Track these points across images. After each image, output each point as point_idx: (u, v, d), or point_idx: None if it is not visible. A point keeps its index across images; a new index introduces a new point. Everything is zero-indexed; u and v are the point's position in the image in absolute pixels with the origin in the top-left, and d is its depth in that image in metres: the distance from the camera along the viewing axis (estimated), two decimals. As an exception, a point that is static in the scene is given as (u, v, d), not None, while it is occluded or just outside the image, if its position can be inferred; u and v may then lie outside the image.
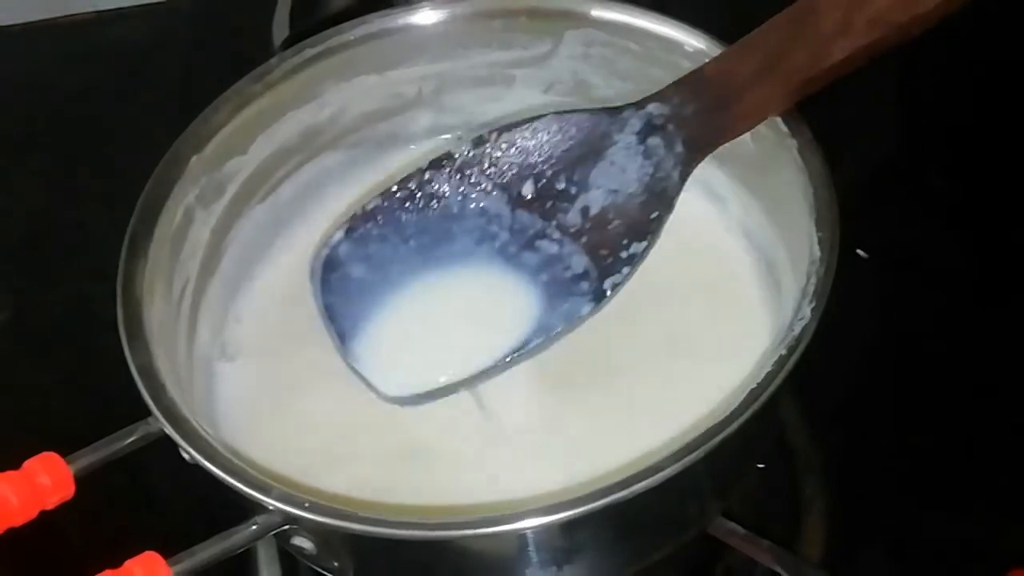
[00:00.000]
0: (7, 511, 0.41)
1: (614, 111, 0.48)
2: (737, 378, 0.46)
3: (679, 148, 0.47)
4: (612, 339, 0.51)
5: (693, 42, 0.52)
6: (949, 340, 0.59)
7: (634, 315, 0.52)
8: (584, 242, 0.47)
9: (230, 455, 0.43)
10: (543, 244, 0.47)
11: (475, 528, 0.41)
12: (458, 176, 0.47)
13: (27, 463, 0.42)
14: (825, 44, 0.45)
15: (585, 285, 0.47)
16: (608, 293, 0.47)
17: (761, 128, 0.50)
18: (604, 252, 0.47)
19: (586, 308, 0.47)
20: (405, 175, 0.48)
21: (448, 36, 0.56)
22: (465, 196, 0.47)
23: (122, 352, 0.46)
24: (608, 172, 0.47)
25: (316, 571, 0.47)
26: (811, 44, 0.45)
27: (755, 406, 0.42)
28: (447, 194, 0.47)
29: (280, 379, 0.52)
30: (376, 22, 0.56)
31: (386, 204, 0.48)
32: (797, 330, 0.43)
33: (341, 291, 0.47)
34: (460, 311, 0.48)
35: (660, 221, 0.47)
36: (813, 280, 0.45)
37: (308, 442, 0.49)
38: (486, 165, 0.47)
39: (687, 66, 0.52)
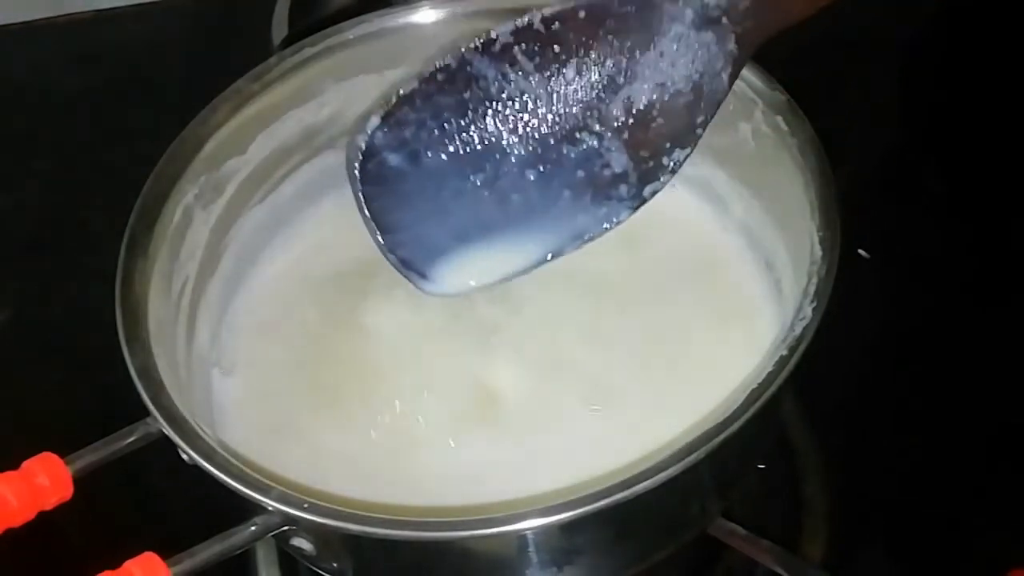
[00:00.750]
0: (6, 512, 0.41)
1: None
2: (738, 378, 0.46)
3: (731, 46, 0.44)
4: (612, 338, 0.51)
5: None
6: (950, 340, 0.59)
7: (634, 314, 0.52)
8: (626, 139, 0.44)
9: (229, 456, 0.43)
10: (583, 136, 0.45)
11: (475, 529, 0.41)
12: (499, 57, 0.44)
13: (26, 464, 0.42)
14: None
15: (624, 189, 0.45)
16: (647, 199, 0.45)
17: (761, 127, 0.51)
18: (645, 154, 0.44)
19: (624, 213, 0.45)
20: (444, 55, 0.45)
21: (448, 35, 0.56)
22: (505, 79, 0.44)
23: (121, 352, 0.45)
24: (656, 64, 0.44)
25: (315, 572, 0.47)
26: None
27: (756, 406, 0.41)
28: (487, 76, 0.44)
29: (278, 397, 0.52)
30: (375, 21, 0.56)
31: (423, 87, 0.44)
32: (798, 330, 0.43)
33: (379, 181, 0.45)
34: (497, 206, 0.45)
35: (704, 126, 0.45)
36: (814, 280, 0.44)
37: (307, 455, 0.49)
38: (528, 46, 0.44)
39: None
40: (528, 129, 0.45)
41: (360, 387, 0.51)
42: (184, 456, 0.43)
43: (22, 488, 0.41)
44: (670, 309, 0.52)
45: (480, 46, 0.44)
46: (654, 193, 0.45)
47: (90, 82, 0.76)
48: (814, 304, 0.44)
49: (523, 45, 0.44)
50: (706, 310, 0.52)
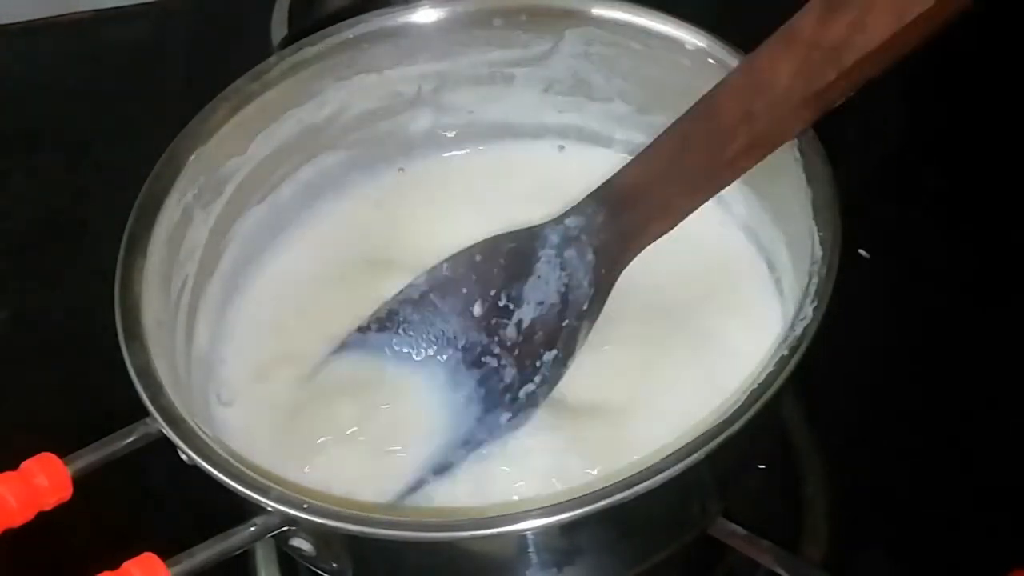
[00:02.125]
0: (4, 512, 0.41)
1: (541, 228, 0.50)
2: (738, 378, 0.46)
3: (589, 256, 0.49)
4: (611, 338, 0.51)
5: (694, 40, 0.52)
6: (950, 340, 0.59)
7: (635, 315, 0.52)
8: (516, 355, 0.50)
9: (228, 456, 0.43)
10: (487, 360, 0.50)
11: (475, 530, 0.41)
12: (419, 303, 0.51)
13: (25, 464, 0.42)
14: (726, 137, 0.45)
15: (507, 396, 0.50)
16: (522, 404, 0.49)
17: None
18: (527, 362, 0.50)
19: (504, 417, 0.49)
20: (376, 312, 0.52)
21: (448, 34, 0.56)
22: (427, 320, 0.51)
23: (120, 352, 0.45)
24: (536, 286, 0.50)
25: (315, 572, 0.47)
26: (711, 139, 0.46)
27: (757, 406, 0.41)
28: (412, 320, 0.51)
29: (279, 396, 0.52)
30: (375, 21, 0.55)
31: (364, 336, 0.52)
32: (799, 330, 0.43)
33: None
34: (414, 425, 0.50)
35: (572, 330, 0.49)
36: (815, 280, 0.44)
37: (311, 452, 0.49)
38: (440, 291, 0.51)
39: (687, 65, 0.52)
40: (447, 358, 0.51)
41: (362, 387, 0.51)
42: (183, 456, 0.43)
43: (21, 488, 0.41)
44: (669, 309, 0.52)
45: (403, 298, 0.52)
46: (527, 395, 0.49)
47: (90, 81, 0.76)
48: (815, 304, 0.44)
49: (437, 292, 0.51)
50: (706, 310, 0.52)
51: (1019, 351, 0.58)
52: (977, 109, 0.67)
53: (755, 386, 0.42)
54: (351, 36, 0.55)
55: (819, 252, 0.45)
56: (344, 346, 0.52)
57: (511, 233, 0.51)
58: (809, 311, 0.44)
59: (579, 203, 0.50)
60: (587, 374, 0.50)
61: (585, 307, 0.49)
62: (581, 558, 0.45)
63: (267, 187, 0.56)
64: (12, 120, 0.75)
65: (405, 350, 0.51)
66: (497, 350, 0.50)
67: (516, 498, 0.46)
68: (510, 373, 0.50)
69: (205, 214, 0.52)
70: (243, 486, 0.41)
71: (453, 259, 0.51)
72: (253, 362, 0.53)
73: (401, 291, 0.52)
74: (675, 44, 0.52)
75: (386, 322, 0.52)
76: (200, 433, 0.43)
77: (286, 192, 0.57)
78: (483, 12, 0.55)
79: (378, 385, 0.51)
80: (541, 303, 0.50)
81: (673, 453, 0.41)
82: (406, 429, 0.49)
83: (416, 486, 0.48)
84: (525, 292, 0.50)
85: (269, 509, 0.41)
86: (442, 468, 0.48)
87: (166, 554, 0.40)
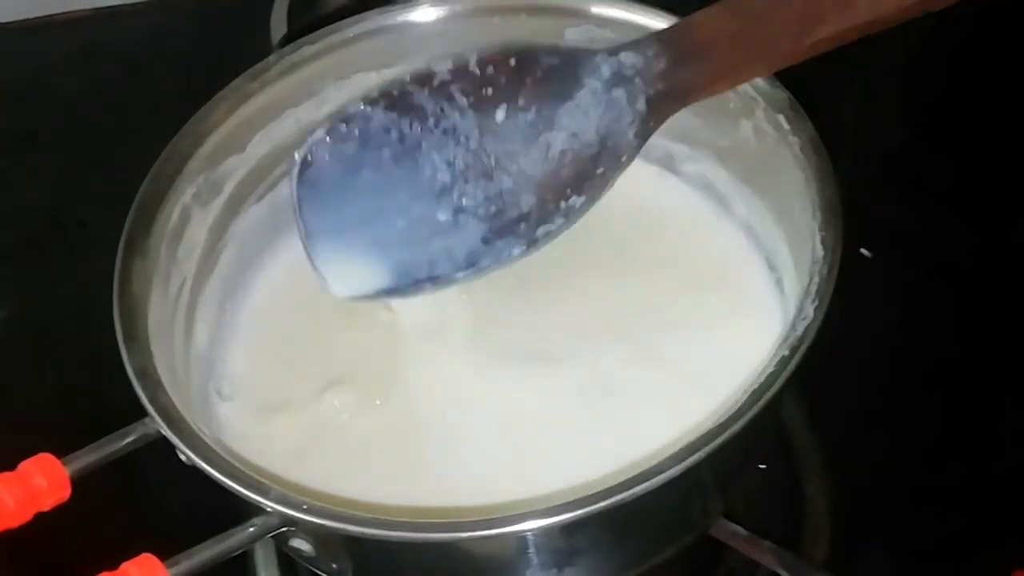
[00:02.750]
0: (3, 513, 0.41)
1: (590, 53, 0.46)
2: (739, 378, 0.46)
3: (640, 105, 0.46)
4: (612, 338, 0.51)
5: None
6: (952, 339, 0.59)
7: (635, 313, 0.52)
8: (536, 182, 0.46)
9: (228, 456, 0.43)
10: (500, 176, 0.46)
11: (475, 531, 0.41)
12: (437, 92, 0.46)
13: (23, 464, 0.42)
14: (816, 21, 0.44)
15: (522, 227, 0.47)
16: (539, 241, 0.47)
17: (763, 125, 0.50)
18: (548, 196, 0.46)
19: (517, 250, 0.47)
20: (387, 83, 0.47)
21: (447, 33, 0.56)
22: (441, 112, 0.46)
23: (119, 352, 0.45)
24: (573, 114, 0.46)
25: (314, 573, 0.47)
26: (803, 19, 0.44)
27: (758, 406, 0.41)
28: (425, 108, 0.46)
29: (278, 415, 0.51)
30: (374, 19, 0.55)
31: (366, 109, 0.47)
32: (800, 329, 0.43)
33: (315, 187, 0.47)
34: (413, 224, 0.47)
35: (604, 179, 0.46)
36: (816, 279, 0.44)
37: (309, 453, 0.49)
38: (463, 85, 0.46)
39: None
40: (454, 161, 0.47)
41: (362, 387, 0.51)
42: (182, 456, 0.43)
43: (19, 489, 0.41)
44: (671, 309, 0.52)
45: (420, 80, 0.46)
46: (546, 235, 0.47)
47: (89, 80, 0.75)
48: (816, 303, 0.44)
49: (459, 84, 0.46)
50: (707, 310, 0.52)
51: (1022, 350, 0.58)
52: (979, 107, 0.67)
53: (756, 386, 0.42)
54: (350, 35, 0.55)
55: (820, 251, 0.45)
56: (347, 118, 0.46)
57: (555, 47, 0.47)
58: (810, 310, 0.43)
59: (641, 39, 0.46)
60: (587, 373, 0.50)
61: (623, 158, 0.46)
62: (581, 558, 0.45)
63: (266, 186, 0.56)
64: (10, 119, 0.75)
65: (410, 138, 0.46)
66: (514, 168, 0.46)
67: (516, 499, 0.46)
68: (528, 201, 0.46)
69: (204, 213, 0.52)
70: (242, 486, 0.41)
71: (483, 54, 0.46)
72: (253, 361, 0.53)
73: (416, 71, 0.47)
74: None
75: (397, 100, 0.46)
76: (199, 433, 0.43)
77: (284, 191, 0.56)
78: (482, 10, 0.55)
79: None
80: (575, 135, 0.46)
81: (674, 454, 0.40)
82: None
83: (411, 286, 0.47)
84: (559, 116, 0.46)
85: (268, 510, 0.41)
86: (440, 280, 0.47)
87: (165, 555, 0.40)
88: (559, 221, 0.47)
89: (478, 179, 0.47)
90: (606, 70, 0.46)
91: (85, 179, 0.71)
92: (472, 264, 0.47)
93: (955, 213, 0.64)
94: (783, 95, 0.50)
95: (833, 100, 0.48)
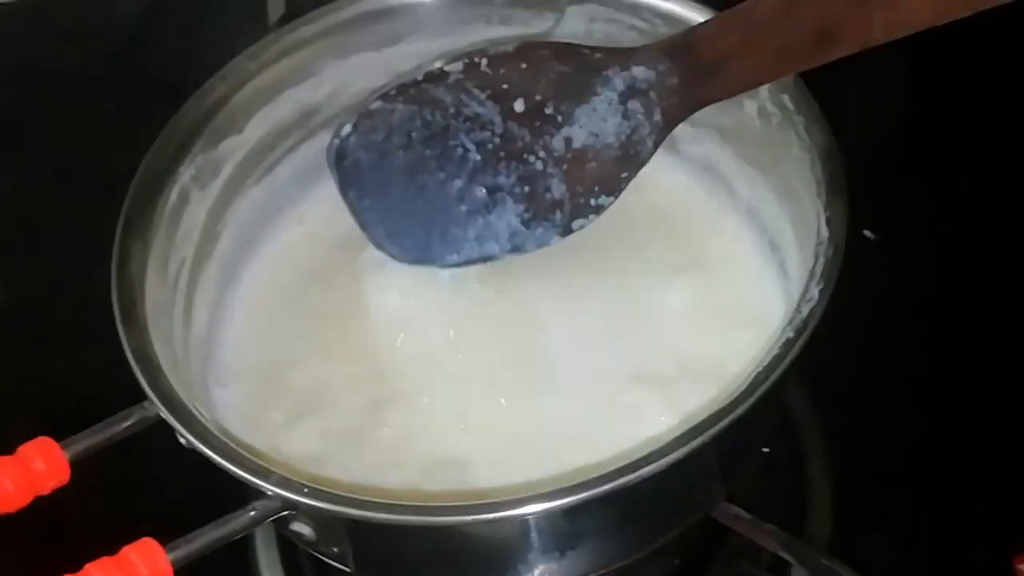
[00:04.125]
0: (1, 497, 0.41)
1: (602, 63, 0.48)
2: (743, 361, 0.46)
3: (657, 117, 0.48)
4: (613, 320, 0.51)
5: (699, 18, 0.51)
6: (957, 322, 0.58)
7: (636, 296, 0.51)
8: (565, 170, 0.49)
9: (227, 440, 0.42)
10: (530, 159, 0.49)
11: (477, 514, 0.40)
12: (453, 87, 0.49)
13: (21, 448, 0.42)
14: (831, 37, 0.44)
15: (558, 216, 0.50)
16: (574, 231, 0.50)
17: (767, 105, 0.50)
18: (579, 189, 0.49)
19: (554, 238, 0.50)
20: (402, 81, 0.50)
21: (448, 12, 0.55)
22: (461, 103, 0.49)
23: (118, 335, 0.45)
24: (591, 116, 0.48)
25: (315, 557, 0.47)
26: (817, 33, 0.44)
27: (761, 389, 0.41)
28: (444, 100, 0.49)
29: (278, 398, 0.51)
30: (374, -1, 0.55)
31: (388, 103, 0.50)
32: (804, 312, 0.43)
33: (354, 175, 0.51)
34: (453, 204, 0.51)
35: (628, 180, 0.49)
36: (821, 260, 0.44)
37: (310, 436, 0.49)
38: (478, 82, 0.49)
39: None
40: (482, 142, 0.50)
41: (363, 367, 0.51)
42: (182, 440, 0.42)
43: (18, 473, 0.41)
44: (673, 292, 0.52)
45: (434, 79, 0.49)
46: (580, 227, 0.50)
47: (85, 60, 0.74)
48: (821, 286, 0.43)
49: (473, 81, 0.49)
50: (709, 293, 0.51)
51: (1026, 333, 0.57)
52: (985, 88, 0.66)
53: (760, 369, 0.42)
54: (349, 15, 0.54)
55: (825, 232, 0.45)
56: (370, 113, 0.50)
57: (563, 53, 0.49)
58: (815, 292, 0.43)
59: (647, 50, 0.48)
60: (588, 355, 0.50)
61: (643, 160, 0.49)
62: (584, 542, 0.45)
63: (265, 167, 0.55)
64: (5, 99, 0.74)
65: (436, 124, 0.49)
66: (543, 154, 0.49)
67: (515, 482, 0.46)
68: (559, 188, 0.49)
69: (203, 195, 0.52)
70: (242, 470, 0.41)
71: (493, 56, 0.49)
72: (249, 346, 0.52)
73: (428, 71, 0.50)
74: (679, 22, 0.52)
75: (414, 95, 0.49)
76: (199, 416, 0.43)
77: (284, 172, 0.56)
78: (481, -12, 0.55)
79: None
80: (595, 135, 0.48)
81: (677, 437, 0.40)
82: None
83: (460, 262, 0.50)
84: (577, 114, 0.48)
85: (269, 493, 0.41)
86: (486, 258, 0.50)
87: (165, 539, 0.39)
88: (591, 216, 0.50)
89: (509, 160, 0.49)
90: (619, 83, 0.48)
91: (83, 160, 0.70)
92: (516, 247, 0.50)
93: (960, 195, 0.63)
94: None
95: (837, 79, 0.48)
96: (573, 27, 0.55)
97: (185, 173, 0.51)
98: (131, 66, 0.74)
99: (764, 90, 0.50)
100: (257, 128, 0.54)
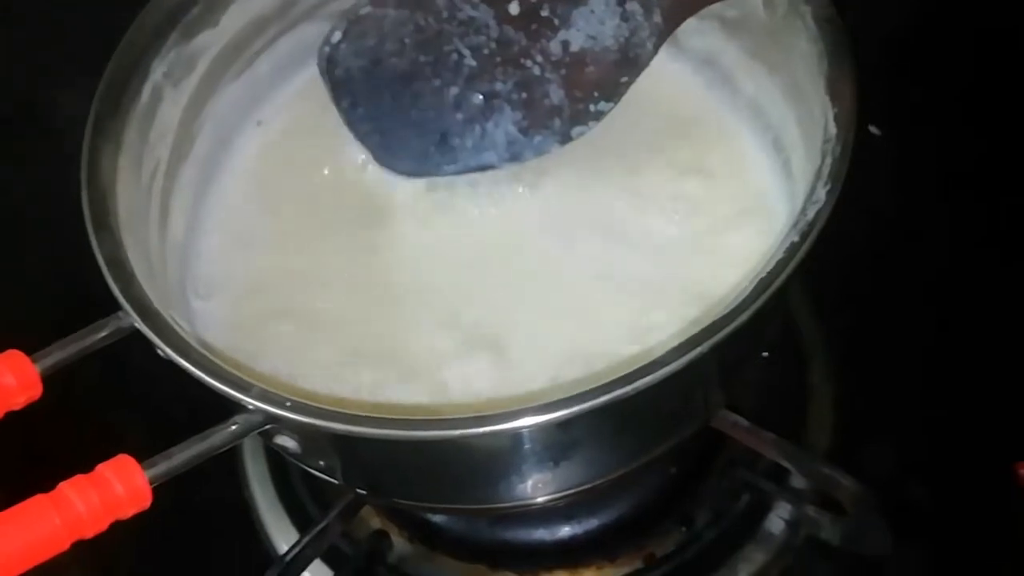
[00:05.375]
0: (-30, 413, 0.39)
1: None
2: (747, 263, 0.44)
3: (657, 18, 0.47)
4: (617, 225, 0.49)
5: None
6: (963, 225, 0.57)
7: (638, 199, 0.50)
8: (563, 74, 0.48)
9: (206, 351, 0.41)
10: (527, 63, 0.48)
11: (466, 428, 0.39)
12: None
13: (-10, 362, 0.40)
14: None
15: (556, 123, 0.49)
16: (572, 139, 0.49)
17: (774, -5, 0.47)
18: (577, 94, 0.48)
19: (554, 146, 0.49)
20: None
21: None
22: (453, 6, 0.48)
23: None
24: (588, 18, 0.48)
25: (304, 468, 0.46)
26: None
27: (765, 295, 0.39)
28: (437, 2, 0.48)
29: (260, 305, 0.49)
30: None
31: (375, 10, 0.49)
32: (811, 214, 0.41)
33: (346, 83, 0.50)
34: (450, 112, 0.50)
35: (628, 85, 0.48)
36: (828, 160, 0.42)
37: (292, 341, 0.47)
38: None
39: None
40: (478, 47, 0.48)
41: (349, 279, 0.49)
42: (159, 352, 0.41)
43: (-13, 387, 0.39)
44: (672, 194, 0.50)
45: None
46: (579, 135, 0.49)
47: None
48: (828, 186, 0.41)
49: None
50: (712, 193, 0.49)
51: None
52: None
53: (764, 274, 0.40)
54: (330, -101, 0.51)
55: (833, 129, 0.43)
56: (359, 19, 0.49)
57: None
58: (822, 194, 0.41)
59: None
60: (595, 259, 0.48)
61: (644, 66, 0.48)
62: (579, 452, 0.43)
63: (243, 62, 0.52)
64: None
65: (429, 29, 0.49)
66: (539, 58, 0.48)
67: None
68: (557, 93, 0.48)
69: (176, 93, 0.49)
70: (221, 383, 0.39)
71: None
72: (229, 255, 0.50)
73: None
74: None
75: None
76: (176, 327, 0.41)
77: (263, 67, 0.53)
78: None
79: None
80: (593, 38, 0.47)
81: (678, 345, 0.38)
82: None
83: (460, 170, 0.50)
84: (574, 16, 0.47)
85: (250, 407, 0.39)
86: (486, 167, 0.49)
87: (143, 455, 0.38)
88: (591, 123, 0.48)
89: (506, 66, 0.48)
90: None
91: (53, 56, 0.67)
92: (515, 156, 0.49)
93: (966, 90, 0.61)
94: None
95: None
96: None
97: (157, 70, 0.48)
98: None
99: (770, -21, 0.47)
100: (233, 20, 0.51)
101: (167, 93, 0.49)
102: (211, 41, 0.50)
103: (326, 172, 0.52)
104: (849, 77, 0.44)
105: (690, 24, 0.52)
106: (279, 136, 0.54)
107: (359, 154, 0.51)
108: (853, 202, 0.43)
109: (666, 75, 0.53)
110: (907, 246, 0.57)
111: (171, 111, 0.49)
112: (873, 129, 0.58)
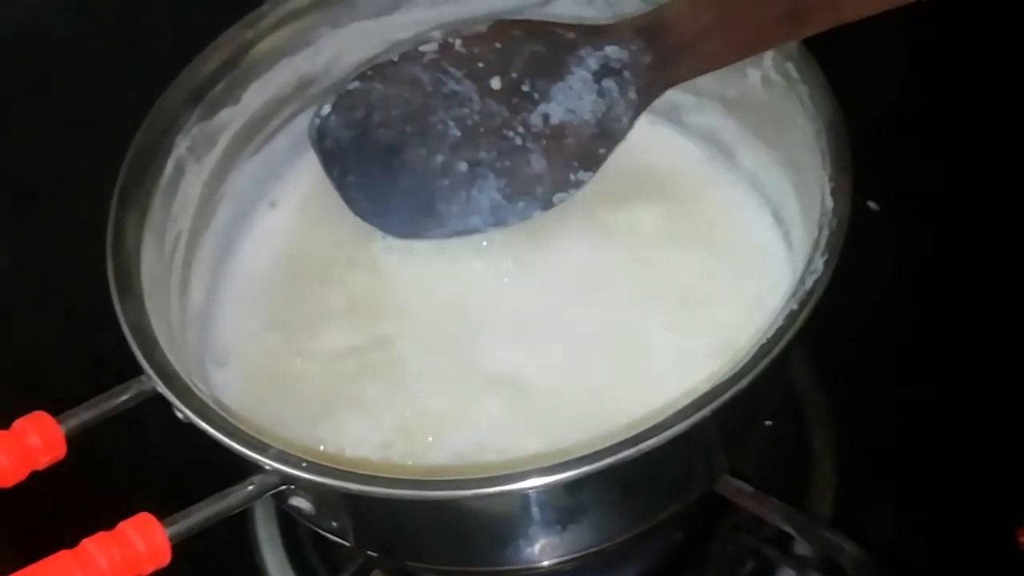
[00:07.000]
0: (-3, 472, 0.40)
1: (573, 43, 0.49)
2: (747, 333, 0.45)
3: (632, 95, 0.49)
4: (618, 292, 0.50)
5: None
6: (960, 293, 0.58)
7: (641, 270, 0.51)
8: (544, 145, 0.50)
9: (224, 414, 0.42)
10: (509, 134, 0.50)
11: (476, 488, 0.40)
12: (430, 66, 0.50)
13: (17, 423, 0.41)
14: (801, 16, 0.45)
15: (539, 190, 0.51)
16: (555, 205, 0.51)
17: (771, 74, 0.49)
18: (558, 163, 0.50)
19: (536, 211, 0.51)
20: (377, 62, 0.51)
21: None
22: (438, 81, 0.50)
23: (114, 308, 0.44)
24: (567, 93, 0.50)
25: (315, 531, 0.47)
26: (777, 2, 0.45)
27: (765, 362, 0.40)
28: (422, 78, 0.50)
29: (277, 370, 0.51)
30: (371, -34, 0.54)
31: (366, 83, 0.51)
32: (809, 283, 0.42)
33: (337, 153, 0.52)
34: (436, 179, 0.51)
35: (606, 156, 0.50)
36: (826, 232, 0.43)
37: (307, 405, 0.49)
38: (454, 61, 0.50)
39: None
40: (462, 119, 0.50)
41: (361, 341, 0.50)
42: (179, 415, 0.42)
43: (13, 447, 0.40)
44: (677, 263, 0.51)
45: (410, 58, 0.50)
46: (561, 201, 0.51)
47: (81, 30, 0.74)
48: (826, 257, 0.43)
49: (449, 60, 0.50)
50: (714, 264, 0.51)
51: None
52: (991, 58, 0.65)
53: (764, 341, 0.41)
54: (347, -18, 0.54)
55: (830, 202, 0.44)
56: (348, 93, 0.51)
57: (536, 32, 0.49)
58: (820, 264, 0.42)
59: (621, 28, 0.49)
60: (593, 328, 0.49)
61: (620, 139, 0.50)
62: (585, 516, 0.44)
63: (261, 138, 0.54)
64: (8, 68, 0.73)
65: (415, 102, 0.50)
66: (521, 129, 0.50)
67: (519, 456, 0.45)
68: (539, 163, 0.50)
69: (199, 167, 0.51)
70: (240, 444, 0.41)
71: (468, 38, 0.50)
72: (248, 322, 0.52)
73: (403, 51, 0.50)
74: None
75: (391, 75, 0.50)
76: (195, 390, 0.43)
77: (281, 143, 0.55)
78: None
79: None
80: (572, 112, 0.49)
81: (680, 410, 0.40)
82: None
83: (446, 234, 0.51)
84: (553, 91, 0.49)
85: (267, 468, 0.40)
86: (470, 231, 0.51)
87: (163, 514, 0.39)
88: (572, 191, 0.51)
89: (489, 136, 0.50)
90: (593, 63, 0.49)
91: (79, 130, 0.69)
92: (499, 220, 0.51)
93: (965, 164, 0.63)
94: (792, 43, 0.48)
95: (842, 48, 0.47)
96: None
97: (181, 144, 0.50)
98: (127, 35, 0.73)
99: (768, 59, 0.49)
100: (254, 98, 0.53)
101: (190, 167, 0.50)
102: (232, 118, 0.52)
103: (340, 250, 0.54)
104: (845, 153, 0.45)
105: (691, 102, 0.54)
106: (295, 212, 0.55)
107: (371, 228, 0.53)
108: (854, 274, 0.44)
109: (668, 148, 0.55)
110: (907, 316, 0.58)
111: (193, 184, 0.51)
112: (872, 204, 0.60)
